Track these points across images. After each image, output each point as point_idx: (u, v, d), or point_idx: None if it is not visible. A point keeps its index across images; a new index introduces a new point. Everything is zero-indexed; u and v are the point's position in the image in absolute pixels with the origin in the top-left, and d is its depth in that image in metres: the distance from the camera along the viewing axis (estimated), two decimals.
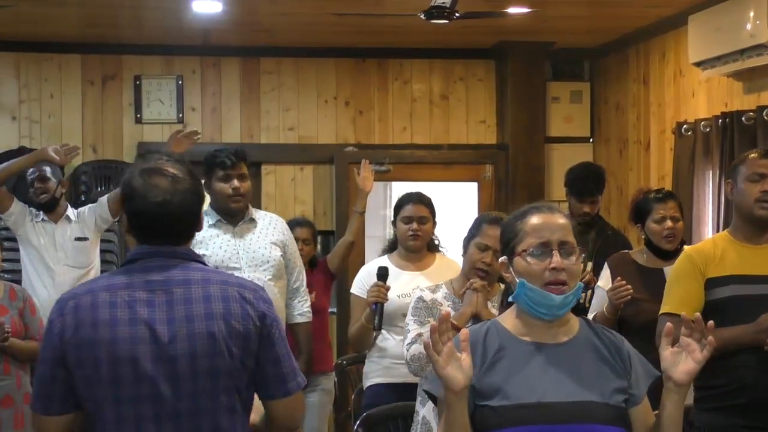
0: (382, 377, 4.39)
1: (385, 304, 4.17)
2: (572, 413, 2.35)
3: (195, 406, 2.37)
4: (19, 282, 5.65)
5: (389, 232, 4.65)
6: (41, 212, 5.54)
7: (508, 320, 2.49)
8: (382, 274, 4.21)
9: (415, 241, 4.44)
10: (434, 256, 4.52)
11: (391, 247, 4.59)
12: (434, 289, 3.75)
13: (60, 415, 2.40)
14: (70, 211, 5.61)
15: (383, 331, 4.33)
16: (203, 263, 2.52)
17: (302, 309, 4.76)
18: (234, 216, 4.51)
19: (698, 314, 2.37)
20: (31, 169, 5.58)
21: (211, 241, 4.44)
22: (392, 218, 4.57)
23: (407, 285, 4.34)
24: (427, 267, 4.46)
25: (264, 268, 4.45)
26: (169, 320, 2.37)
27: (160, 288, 2.39)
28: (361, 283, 4.45)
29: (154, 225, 2.45)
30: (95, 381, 2.35)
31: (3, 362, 4.64)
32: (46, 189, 5.52)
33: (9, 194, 5.54)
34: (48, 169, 5.62)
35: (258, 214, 4.62)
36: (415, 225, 4.43)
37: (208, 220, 4.48)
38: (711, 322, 2.35)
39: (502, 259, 2.50)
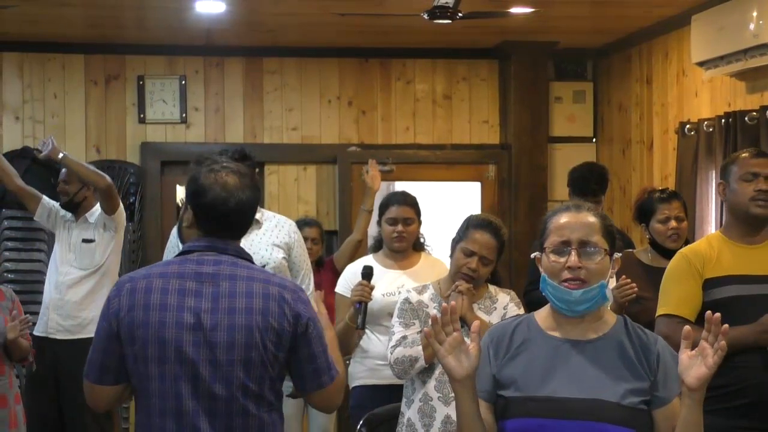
0: (366, 379, 4.39)
1: (369, 303, 4.17)
2: (581, 410, 2.37)
3: (229, 390, 2.58)
4: (35, 281, 5.69)
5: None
6: (67, 212, 5.58)
7: (542, 315, 2.54)
8: (367, 273, 4.21)
9: (400, 243, 4.43)
10: (419, 255, 4.52)
11: (376, 247, 4.57)
12: (421, 290, 3.74)
13: (113, 385, 2.66)
14: (91, 213, 5.60)
15: (367, 331, 4.32)
16: (251, 260, 2.73)
17: None
18: None
19: (718, 314, 2.36)
20: (63, 170, 5.60)
21: None
22: (377, 218, 4.55)
23: (392, 284, 4.35)
24: (411, 266, 4.46)
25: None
26: (213, 310, 2.59)
27: (208, 280, 2.62)
28: (346, 282, 4.44)
29: (217, 216, 2.66)
30: (143, 358, 2.59)
31: None
32: (66, 191, 5.52)
33: (34, 195, 5.54)
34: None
35: (265, 216, 4.59)
36: (399, 227, 4.41)
37: None
38: (726, 326, 2.34)
39: (536, 254, 2.53)
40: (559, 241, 2.45)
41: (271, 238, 4.51)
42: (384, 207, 4.48)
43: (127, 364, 2.62)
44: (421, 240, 4.57)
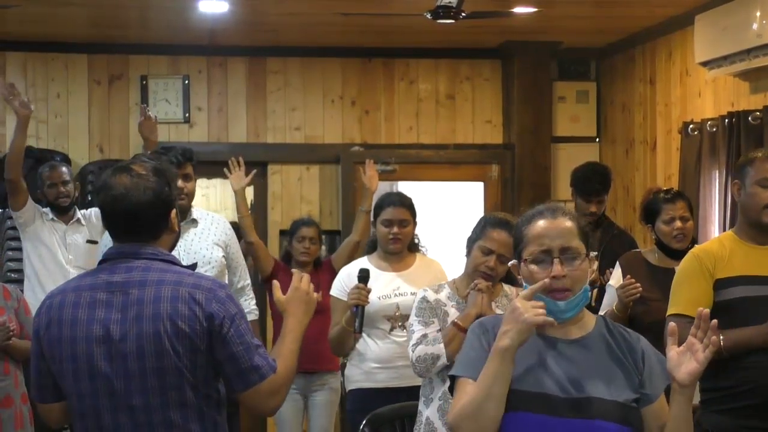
0: (363, 382, 4.37)
1: (366, 307, 4.13)
2: (577, 408, 2.36)
3: (146, 401, 2.49)
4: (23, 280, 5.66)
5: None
6: (50, 211, 5.53)
7: None
8: (364, 276, 4.16)
9: (396, 245, 4.39)
10: (414, 257, 4.48)
11: (371, 248, 4.54)
12: (437, 289, 3.72)
13: (56, 402, 2.62)
14: (78, 213, 5.59)
15: (363, 334, 4.30)
16: (173, 262, 2.60)
17: (249, 307, 4.73)
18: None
19: (707, 310, 2.36)
20: (46, 172, 5.57)
21: None
22: (372, 219, 4.52)
23: (387, 286, 4.32)
24: (407, 268, 4.42)
25: (205, 269, 4.36)
26: (122, 320, 2.50)
27: (118, 289, 2.53)
28: (341, 284, 4.39)
29: (112, 219, 2.58)
30: (61, 375, 2.55)
31: (3, 362, 4.65)
32: (68, 193, 5.51)
33: (25, 191, 5.49)
34: (66, 171, 5.60)
35: (199, 214, 4.57)
36: (395, 229, 4.37)
37: None
38: (714, 321, 2.34)
39: (513, 262, 2.52)
40: (539, 250, 2.43)
41: (210, 237, 4.49)
42: (379, 209, 4.43)
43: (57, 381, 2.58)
44: (416, 241, 4.54)
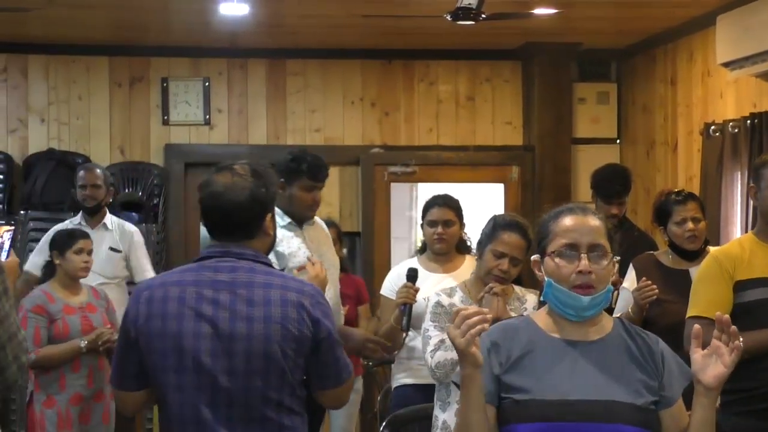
0: (409, 378, 4.40)
1: (414, 306, 4.15)
2: (596, 412, 2.33)
3: (247, 398, 2.57)
4: None
5: (414, 233, 4.64)
6: (79, 217, 5.58)
7: (540, 317, 2.49)
8: (412, 275, 4.19)
9: (441, 245, 4.43)
10: (464, 258, 4.50)
11: (422, 249, 4.59)
12: (450, 293, 3.73)
13: (136, 391, 2.67)
14: (108, 219, 5.62)
15: (412, 332, 4.32)
16: (269, 265, 2.69)
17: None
18: (303, 221, 4.46)
19: (726, 316, 2.35)
20: (80, 173, 5.62)
21: (286, 242, 4.25)
22: (420, 221, 4.57)
23: (436, 287, 4.32)
24: (456, 269, 4.45)
25: (331, 271, 4.29)
26: (230, 319, 2.56)
27: (225, 288, 2.58)
28: (391, 284, 4.45)
29: (208, 216, 2.66)
30: (162, 367, 2.58)
31: (98, 358, 4.70)
32: (96, 196, 5.56)
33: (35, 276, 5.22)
34: (99, 175, 5.63)
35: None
36: (440, 228, 4.41)
37: (279, 221, 4.40)
38: (734, 327, 2.32)
39: (535, 257, 2.49)
40: (566, 243, 2.40)
41: (327, 239, 4.46)
42: (425, 210, 4.50)
43: (148, 372, 2.62)
44: (468, 243, 4.55)
